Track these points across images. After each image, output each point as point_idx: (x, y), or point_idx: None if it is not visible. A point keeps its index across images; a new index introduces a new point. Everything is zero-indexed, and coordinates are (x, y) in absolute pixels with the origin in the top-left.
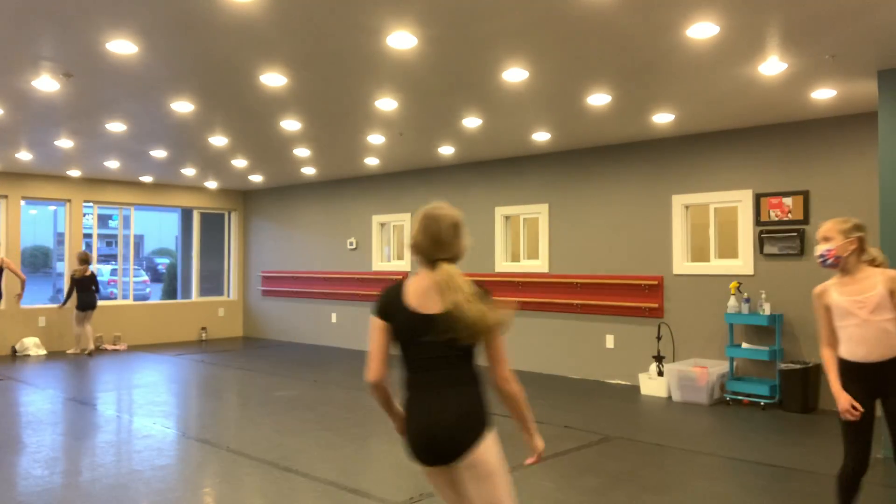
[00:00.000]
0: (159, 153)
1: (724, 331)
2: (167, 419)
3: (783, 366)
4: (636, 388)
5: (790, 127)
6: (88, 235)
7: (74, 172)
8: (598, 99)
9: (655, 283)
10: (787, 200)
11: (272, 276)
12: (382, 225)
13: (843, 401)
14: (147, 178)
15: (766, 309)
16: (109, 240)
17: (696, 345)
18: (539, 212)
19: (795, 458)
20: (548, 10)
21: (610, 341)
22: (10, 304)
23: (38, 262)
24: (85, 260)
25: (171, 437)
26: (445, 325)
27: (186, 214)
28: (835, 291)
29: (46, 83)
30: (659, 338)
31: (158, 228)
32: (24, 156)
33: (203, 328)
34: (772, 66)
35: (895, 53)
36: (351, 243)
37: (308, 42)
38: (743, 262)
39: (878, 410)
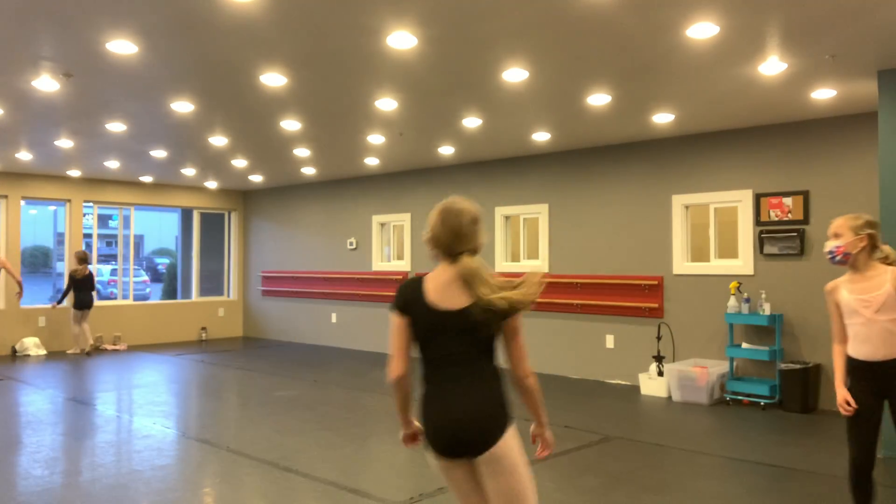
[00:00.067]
0: (159, 153)
1: (724, 331)
2: (167, 419)
3: (783, 366)
4: (636, 388)
5: (790, 127)
6: (88, 235)
7: (74, 172)
8: (598, 99)
9: (655, 283)
10: (787, 200)
11: (272, 276)
12: (382, 225)
13: (839, 395)
14: (147, 178)
15: (766, 309)
16: (109, 240)
17: (696, 345)
18: (539, 212)
19: (795, 458)
20: (548, 10)
21: (610, 341)
22: (10, 302)
23: (38, 262)
24: (84, 259)
25: (171, 437)
26: (470, 319)
27: (186, 214)
28: (844, 289)
29: (46, 83)
30: (659, 338)
31: (158, 228)
32: (24, 156)
33: (203, 328)
34: (772, 66)
35: (895, 53)
36: (351, 243)
37: (308, 42)
38: (743, 262)
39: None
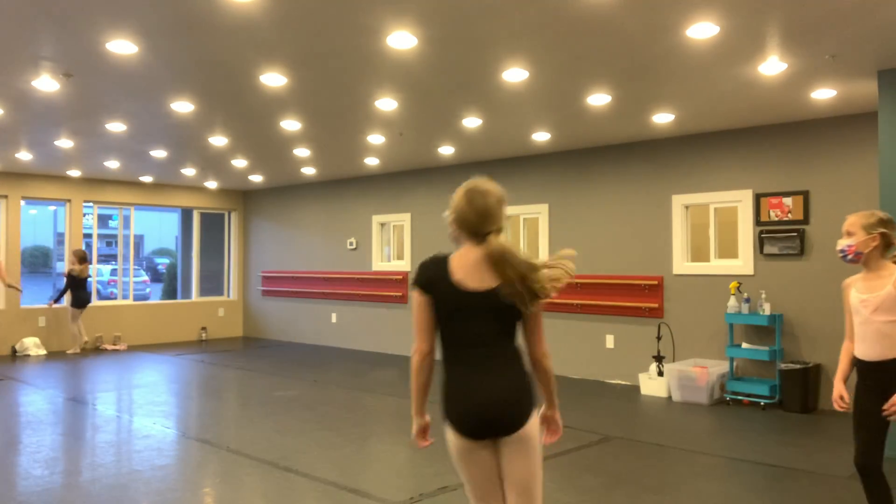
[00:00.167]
0: (159, 153)
1: (724, 331)
2: (167, 419)
3: (783, 366)
4: (636, 388)
5: (790, 127)
6: (88, 235)
7: (74, 172)
8: (598, 99)
9: (655, 283)
10: (787, 200)
11: (272, 276)
12: (382, 225)
13: (835, 391)
14: (147, 178)
15: (766, 309)
16: (109, 240)
17: (696, 345)
18: (539, 212)
19: (795, 458)
20: (548, 10)
21: (610, 341)
22: (10, 302)
23: (38, 262)
24: (84, 258)
25: (171, 437)
26: (497, 301)
27: (186, 214)
28: (855, 286)
29: (46, 83)
30: (659, 338)
31: (158, 228)
32: (24, 156)
33: (203, 328)
34: (772, 66)
35: (895, 53)
36: (351, 243)
37: (308, 42)
38: (743, 262)
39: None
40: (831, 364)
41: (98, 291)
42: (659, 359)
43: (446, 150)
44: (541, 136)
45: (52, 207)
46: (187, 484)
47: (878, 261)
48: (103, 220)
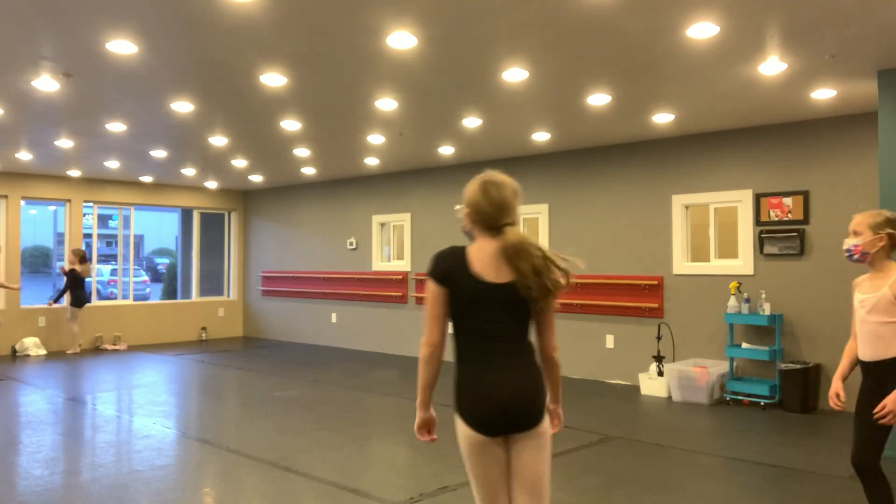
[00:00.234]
0: (159, 153)
1: (724, 331)
2: (167, 419)
3: (783, 366)
4: (636, 388)
5: (790, 127)
6: (88, 235)
7: (74, 172)
8: (598, 99)
9: (655, 283)
10: (787, 200)
11: (272, 276)
12: (382, 225)
13: (831, 388)
14: (147, 178)
15: (766, 309)
16: (109, 240)
17: (696, 345)
18: (539, 212)
19: (795, 458)
20: (548, 10)
21: (610, 341)
22: (10, 302)
23: (38, 262)
24: (85, 258)
25: (171, 437)
26: (516, 294)
27: (186, 214)
28: (860, 286)
29: (46, 83)
30: (659, 338)
31: (158, 228)
32: (24, 156)
33: (203, 328)
34: (772, 66)
35: (895, 53)
36: (351, 243)
37: (308, 42)
38: (743, 262)
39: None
40: (831, 364)
41: (98, 291)
42: (659, 359)
43: (446, 150)
44: (541, 136)
45: (52, 207)
46: (187, 484)
47: (883, 261)
48: (103, 220)
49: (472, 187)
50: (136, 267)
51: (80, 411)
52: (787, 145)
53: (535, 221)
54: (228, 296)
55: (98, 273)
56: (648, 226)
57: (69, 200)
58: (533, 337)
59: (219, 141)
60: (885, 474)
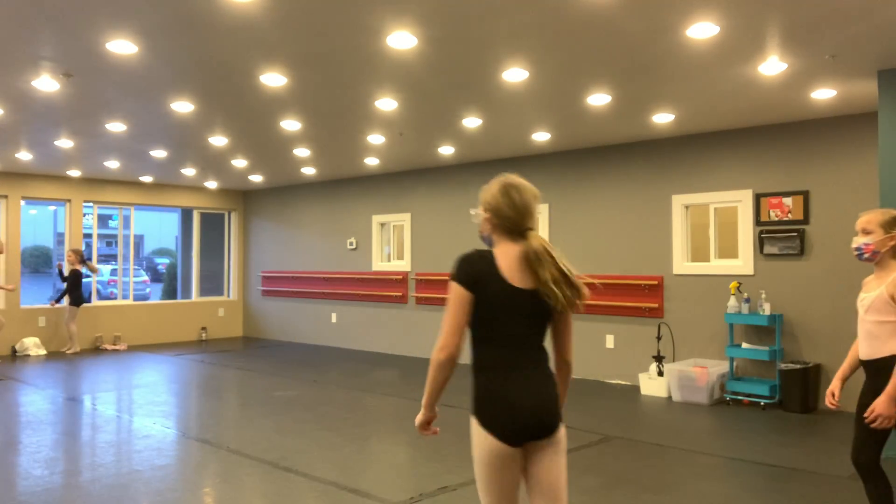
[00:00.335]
0: (159, 153)
1: (724, 331)
2: (167, 419)
3: (783, 366)
4: (636, 388)
5: (790, 127)
6: (88, 235)
7: (74, 172)
8: (598, 99)
9: (655, 283)
10: (787, 200)
11: (272, 276)
12: (382, 225)
13: (829, 387)
14: (147, 178)
15: (766, 309)
16: (109, 240)
17: (696, 345)
18: (539, 212)
19: (795, 458)
20: (548, 10)
21: (610, 341)
22: (10, 302)
23: (38, 262)
24: (83, 258)
25: (171, 437)
26: (541, 300)
27: (186, 214)
28: (867, 285)
29: (46, 83)
30: (659, 338)
31: (158, 228)
32: (24, 156)
33: (203, 328)
34: (772, 66)
35: (895, 53)
36: (351, 243)
37: (308, 42)
38: (743, 262)
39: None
40: (831, 364)
41: (98, 291)
42: (659, 359)
43: (446, 150)
44: (541, 136)
45: (52, 207)
46: (187, 484)
47: (888, 260)
48: (103, 220)
49: (491, 191)
50: (136, 267)
51: (80, 411)
52: (787, 145)
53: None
54: (228, 296)
55: (97, 273)
56: (648, 226)
57: (69, 200)
58: (547, 342)
59: (219, 141)
60: (884, 473)
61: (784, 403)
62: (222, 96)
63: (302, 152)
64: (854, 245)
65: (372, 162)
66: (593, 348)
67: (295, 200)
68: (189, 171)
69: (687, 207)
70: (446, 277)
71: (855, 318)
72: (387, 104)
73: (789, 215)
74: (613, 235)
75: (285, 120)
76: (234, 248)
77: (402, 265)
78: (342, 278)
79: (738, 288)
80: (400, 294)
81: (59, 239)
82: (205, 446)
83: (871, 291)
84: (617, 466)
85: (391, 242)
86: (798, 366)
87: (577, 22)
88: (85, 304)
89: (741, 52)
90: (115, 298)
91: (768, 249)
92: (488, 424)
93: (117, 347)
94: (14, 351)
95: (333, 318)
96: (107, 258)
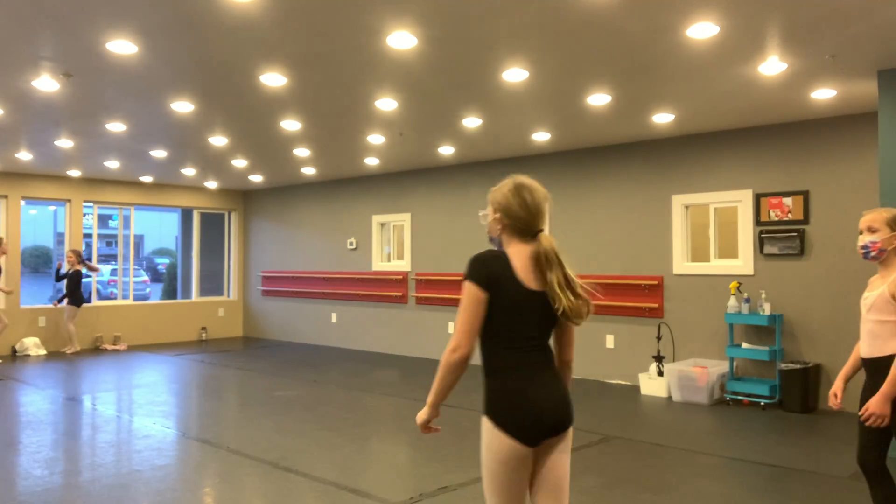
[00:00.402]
0: (159, 153)
1: (724, 331)
2: (167, 419)
3: (783, 366)
4: (636, 388)
5: (790, 127)
6: (88, 235)
7: (74, 172)
8: (598, 99)
9: (655, 283)
10: (787, 200)
11: (272, 276)
12: (382, 225)
13: (832, 387)
14: (147, 178)
15: (766, 309)
16: (109, 240)
17: (696, 345)
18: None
19: (795, 458)
20: (548, 10)
21: (610, 341)
22: (10, 302)
23: (38, 262)
24: (82, 258)
25: (171, 437)
26: (547, 301)
27: (186, 214)
28: (871, 284)
29: (46, 83)
30: (659, 338)
31: (158, 228)
32: (24, 156)
33: (203, 328)
34: (772, 66)
35: (895, 53)
36: (351, 243)
37: (308, 42)
38: (743, 262)
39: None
40: (831, 364)
41: (98, 291)
42: (659, 359)
43: (446, 150)
44: (541, 136)
45: (52, 207)
46: (187, 484)
47: (893, 259)
48: (103, 220)
49: (503, 192)
50: (136, 267)
51: (80, 411)
52: (787, 145)
53: None
54: (228, 296)
55: (98, 273)
56: (648, 226)
57: (69, 200)
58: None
59: (219, 141)
60: (890, 475)
61: (784, 403)
62: (222, 96)
63: (302, 152)
64: (860, 244)
65: (372, 162)
66: (593, 348)
67: (295, 200)
68: (189, 171)
69: (687, 207)
70: (446, 277)
71: (855, 317)
72: (387, 104)
73: (789, 215)
74: (613, 235)
75: (285, 120)
76: (234, 248)
77: (402, 265)
78: (342, 278)
79: (738, 288)
80: (400, 294)
81: (59, 239)
82: (205, 446)
83: (875, 290)
84: (617, 466)
85: (391, 242)
86: (798, 366)
87: (577, 22)
88: (85, 304)
89: (741, 52)
90: (115, 298)
91: (768, 249)
92: (505, 425)
93: (117, 347)
94: (14, 351)
95: (333, 318)
96: (107, 258)
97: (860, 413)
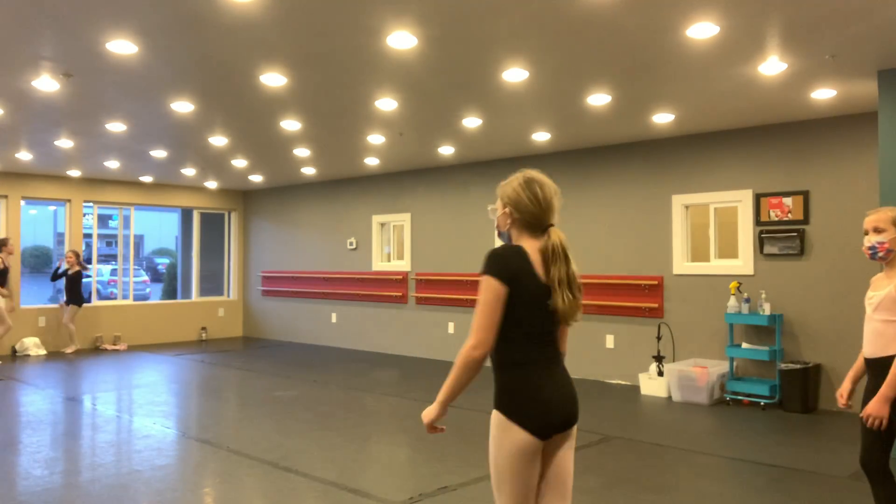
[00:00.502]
0: (159, 153)
1: (724, 331)
2: (167, 419)
3: (783, 366)
4: (636, 388)
5: (790, 127)
6: (88, 235)
7: (74, 172)
8: (598, 99)
9: (655, 283)
10: (787, 200)
11: (272, 276)
12: (382, 225)
13: (840, 387)
14: (147, 178)
15: (766, 309)
16: (109, 240)
17: (696, 345)
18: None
19: (795, 458)
20: (548, 10)
21: (610, 341)
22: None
23: (38, 262)
24: (79, 259)
25: (171, 437)
26: (554, 296)
27: (186, 214)
28: (875, 283)
29: (46, 83)
30: (659, 338)
31: (158, 228)
32: (24, 156)
33: (203, 328)
34: (772, 66)
35: (895, 53)
36: (351, 243)
37: (308, 42)
38: (743, 262)
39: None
40: (831, 364)
41: (98, 291)
42: (659, 359)
43: (446, 150)
44: (541, 136)
45: (52, 207)
46: (187, 484)
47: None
48: (103, 220)
49: (513, 186)
50: (136, 267)
51: (80, 411)
52: (787, 145)
53: None
54: (228, 296)
55: (98, 273)
56: (648, 226)
57: (69, 200)
58: None
59: (219, 141)
60: (892, 475)
61: (784, 403)
62: (222, 96)
63: (302, 152)
64: (867, 244)
65: (372, 162)
66: (593, 348)
67: (295, 200)
68: (189, 171)
69: (687, 207)
70: (446, 277)
71: (856, 317)
72: (387, 104)
73: (789, 215)
74: (613, 235)
75: (285, 120)
76: (234, 248)
77: (402, 265)
78: (342, 278)
79: (738, 288)
80: (400, 294)
81: (59, 239)
82: (205, 446)
83: (880, 290)
84: (617, 466)
85: (391, 242)
86: (798, 366)
87: (577, 22)
88: (85, 304)
89: (741, 52)
90: (115, 298)
91: (768, 249)
92: (520, 419)
93: (117, 347)
94: (14, 351)
95: (333, 318)
96: (107, 258)
97: (861, 415)
